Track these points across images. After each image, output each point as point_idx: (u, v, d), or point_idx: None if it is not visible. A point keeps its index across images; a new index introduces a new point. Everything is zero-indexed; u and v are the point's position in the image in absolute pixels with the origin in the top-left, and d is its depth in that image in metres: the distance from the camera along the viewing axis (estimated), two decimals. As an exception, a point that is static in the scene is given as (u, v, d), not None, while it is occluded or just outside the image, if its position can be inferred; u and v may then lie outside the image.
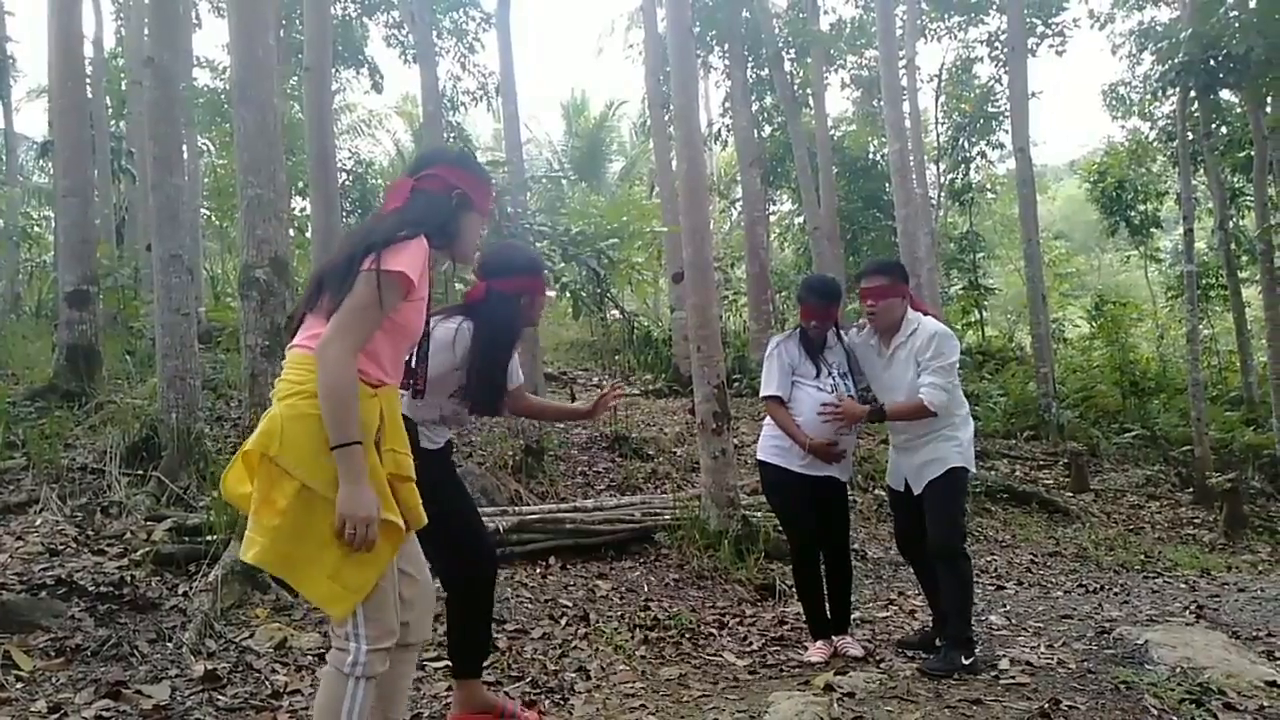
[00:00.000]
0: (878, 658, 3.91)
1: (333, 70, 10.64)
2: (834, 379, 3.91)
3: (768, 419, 4.02)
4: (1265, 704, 3.16)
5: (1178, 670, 3.52)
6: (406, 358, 2.40)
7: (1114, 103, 17.45)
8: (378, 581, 2.06)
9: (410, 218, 2.21)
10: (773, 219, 19.61)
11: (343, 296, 2.03)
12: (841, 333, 4.07)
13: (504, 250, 3.30)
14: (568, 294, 7.56)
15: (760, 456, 4.06)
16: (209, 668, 3.30)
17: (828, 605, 4.07)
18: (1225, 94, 13.24)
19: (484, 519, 3.25)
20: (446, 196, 2.32)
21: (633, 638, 4.17)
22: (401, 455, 2.20)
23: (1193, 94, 12.02)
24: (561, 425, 8.51)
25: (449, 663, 3.10)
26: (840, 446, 3.87)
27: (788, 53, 14.89)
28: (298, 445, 1.99)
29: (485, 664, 3.18)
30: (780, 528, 5.38)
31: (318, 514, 1.98)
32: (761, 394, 4.04)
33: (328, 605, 2.03)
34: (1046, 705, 3.08)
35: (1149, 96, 16.08)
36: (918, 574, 4.23)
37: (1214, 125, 13.77)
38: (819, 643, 3.96)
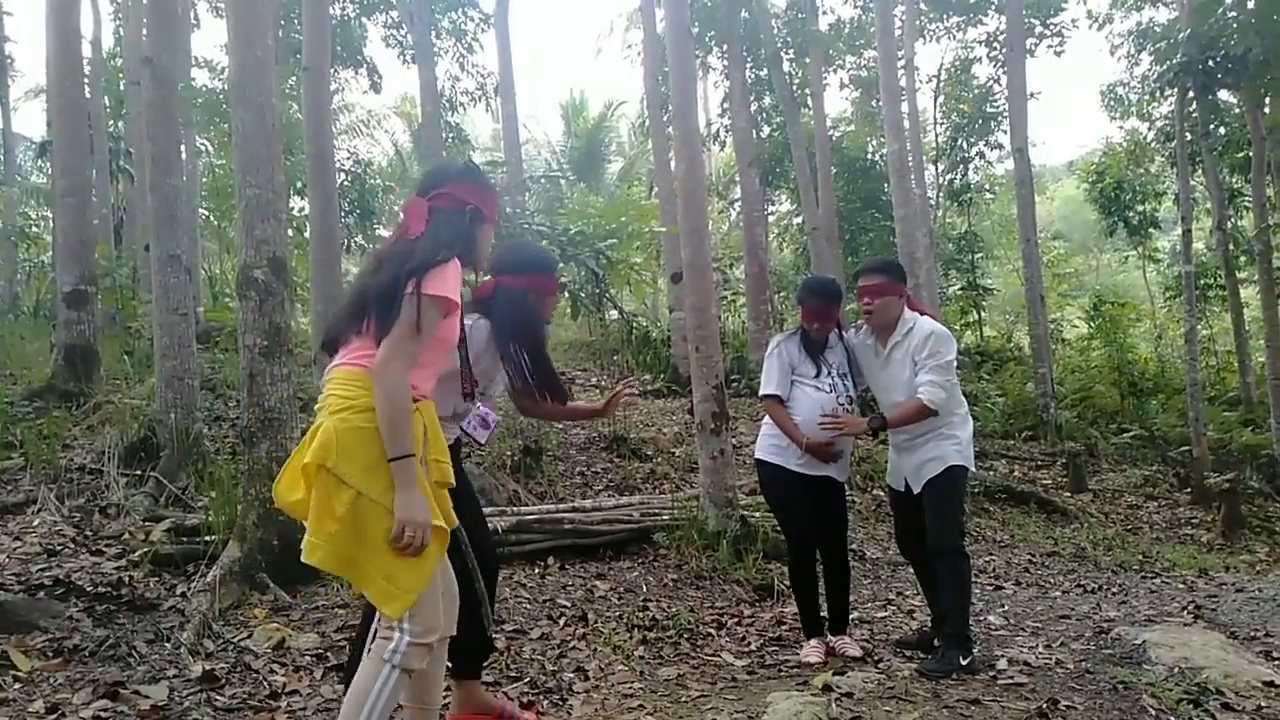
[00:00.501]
0: (876, 658, 3.91)
1: (331, 70, 10.62)
2: (833, 379, 3.92)
3: (767, 418, 4.02)
4: (1263, 704, 3.16)
5: (1175, 670, 3.53)
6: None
7: (1112, 103, 17.47)
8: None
9: (444, 240, 2.34)
10: (771, 219, 19.61)
11: (392, 320, 2.18)
12: (844, 332, 4.08)
13: (516, 248, 3.35)
14: (566, 294, 7.56)
15: (759, 455, 4.07)
16: (207, 668, 3.30)
17: (826, 605, 4.09)
18: (1223, 95, 13.26)
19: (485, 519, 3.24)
20: (462, 214, 2.44)
21: (631, 638, 4.17)
22: (444, 463, 2.36)
23: (1191, 94, 12.03)
24: (560, 425, 8.51)
25: (448, 663, 3.09)
26: (837, 447, 3.87)
27: (786, 53, 14.89)
28: (353, 457, 2.13)
29: (484, 665, 3.18)
30: (778, 528, 5.39)
31: (372, 520, 2.12)
32: (761, 393, 4.06)
33: (382, 604, 2.17)
34: (1044, 705, 3.09)
35: (1147, 97, 16.10)
36: (917, 573, 4.23)
37: (1212, 126, 13.79)
38: (813, 641, 3.97)
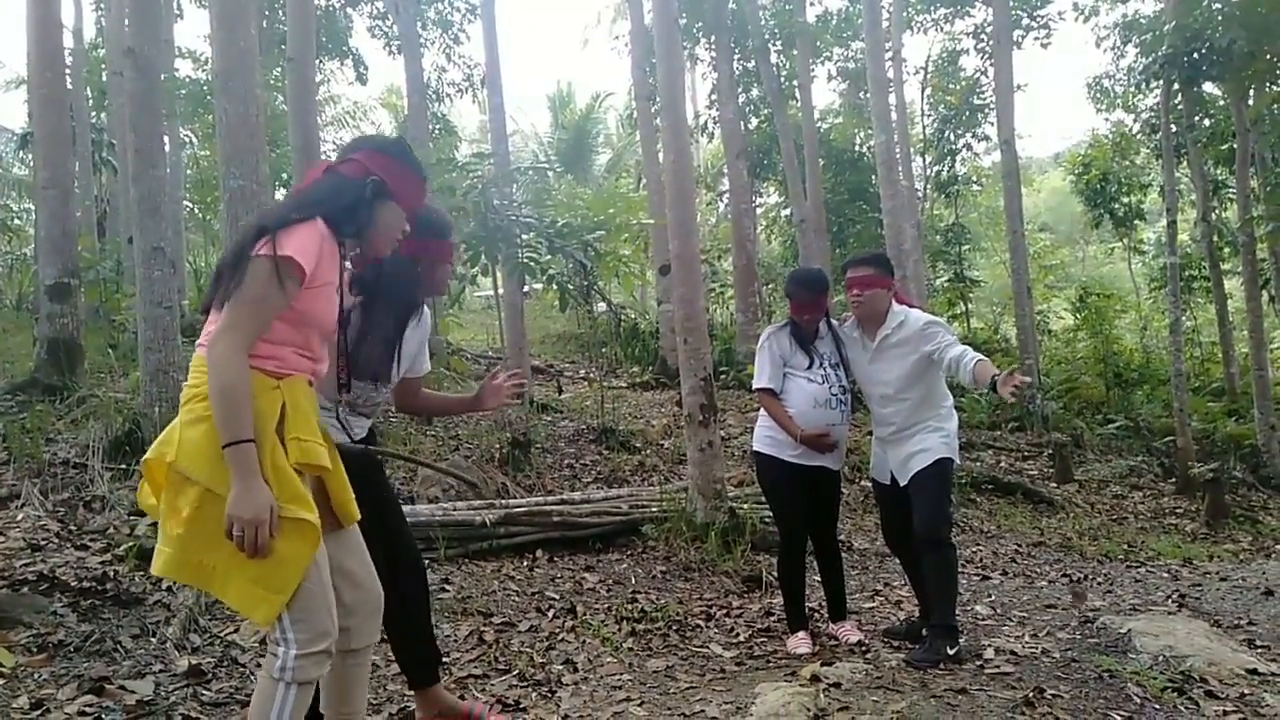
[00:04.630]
0: (864, 648, 3.93)
1: (316, 61, 10.54)
2: (825, 370, 3.93)
3: (762, 410, 4.04)
4: (1246, 691, 3.19)
5: (1160, 659, 3.56)
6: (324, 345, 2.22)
7: (1098, 95, 17.52)
8: (302, 582, 1.95)
9: (309, 199, 2.08)
10: (759, 211, 19.60)
11: (234, 287, 1.93)
12: (833, 321, 4.09)
13: None
14: (554, 286, 7.53)
15: (755, 446, 4.09)
16: (193, 663, 3.29)
17: (823, 593, 4.17)
18: (1208, 86, 13.31)
19: (408, 524, 2.93)
20: (360, 180, 2.15)
21: (620, 630, 4.18)
22: (308, 443, 2.04)
23: (1176, 86, 12.08)
24: (548, 418, 8.50)
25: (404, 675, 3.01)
26: (832, 437, 3.88)
27: (774, 44, 14.88)
28: (196, 449, 1.91)
29: (472, 658, 3.17)
30: (767, 519, 5.40)
31: (224, 518, 1.88)
32: (754, 386, 4.08)
33: (249, 611, 1.95)
34: (1031, 694, 3.10)
35: (1133, 89, 16.14)
36: (904, 565, 4.26)
37: (1197, 118, 13.85)
38: (800, 634, 3.99)
